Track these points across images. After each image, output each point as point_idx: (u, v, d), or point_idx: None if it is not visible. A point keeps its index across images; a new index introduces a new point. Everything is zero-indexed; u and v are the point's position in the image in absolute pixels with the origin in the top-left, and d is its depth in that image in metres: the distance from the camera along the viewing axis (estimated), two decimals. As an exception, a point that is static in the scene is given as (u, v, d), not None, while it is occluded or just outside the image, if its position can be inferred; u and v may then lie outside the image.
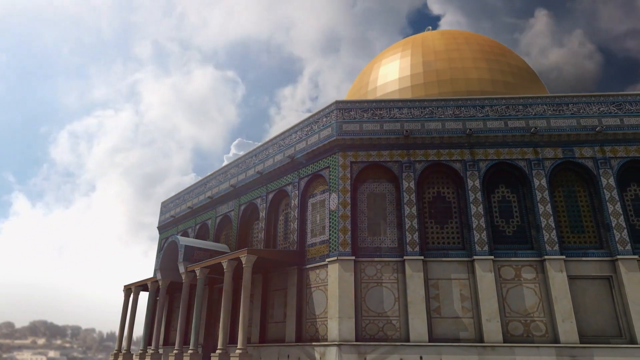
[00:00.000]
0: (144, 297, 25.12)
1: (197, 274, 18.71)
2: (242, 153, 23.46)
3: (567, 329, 14.49)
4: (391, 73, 26.87)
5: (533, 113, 17.44)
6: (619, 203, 16.01)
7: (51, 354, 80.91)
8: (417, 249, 15.93)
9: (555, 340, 14.55)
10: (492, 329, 14.73)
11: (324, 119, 18.60)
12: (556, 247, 15.58)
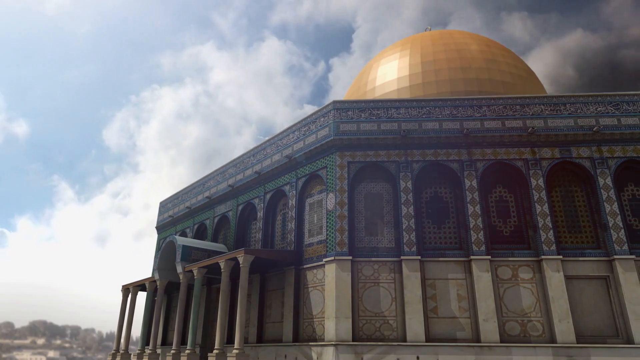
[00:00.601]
0: (142, 297, 25.16)
1: (195, 274, 18.72)
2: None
3: (564, 329, 14.49)
4: (390, 73, 26.89)
5: (530, 113, 17.44)
6: (616, 203, 16.01)
7: (51, 354, 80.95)
8: (414, 249, 15.93)
9: (552, 340, 14.55)
10: (489, 328, 14.72)
11: (322, 119, 18.60)
12: (553, 247, 15.57)
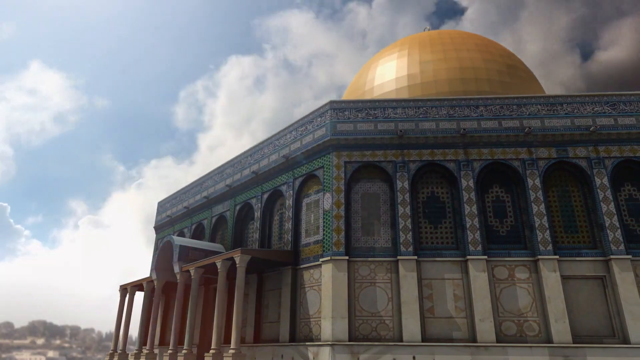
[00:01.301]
0: (140, 297, 25.13)
1: (192, 274, 18.72)
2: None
3: (560, 329, 14.48)
4: (388, 73, 26.90)
5: (527, 113, 17.43)
6: (612, 203, 16.00)
7: (50, 354, 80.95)
8: (410, 248, 15.93)
9: (549, 340, 14.54)
10: (486, 328, 14.72)
11: (319, 119, 18.60)
12: (550, 247, 15.57)
